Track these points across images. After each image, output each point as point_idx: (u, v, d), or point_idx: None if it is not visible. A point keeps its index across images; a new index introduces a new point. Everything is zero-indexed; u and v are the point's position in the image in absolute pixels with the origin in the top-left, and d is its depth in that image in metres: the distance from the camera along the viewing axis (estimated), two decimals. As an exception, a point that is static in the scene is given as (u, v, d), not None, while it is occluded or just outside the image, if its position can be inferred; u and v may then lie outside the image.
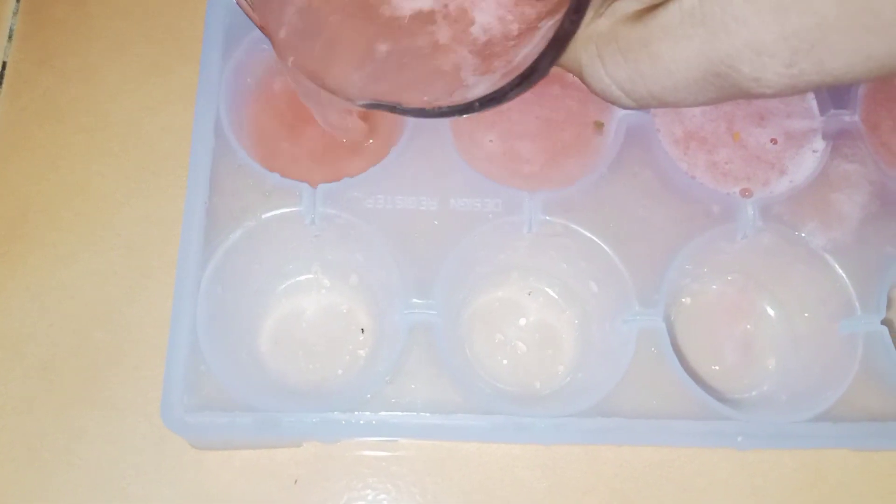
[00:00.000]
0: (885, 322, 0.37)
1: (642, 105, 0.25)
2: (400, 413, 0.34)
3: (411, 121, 0.37)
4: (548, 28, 0.25)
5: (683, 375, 0.35)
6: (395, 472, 0.38)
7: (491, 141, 0.39)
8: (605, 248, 0.37)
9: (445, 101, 0.28)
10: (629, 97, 0.25)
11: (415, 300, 0.36)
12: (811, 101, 0.41)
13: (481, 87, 0.27)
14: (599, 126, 0.39)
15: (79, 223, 0.41)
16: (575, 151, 0.39)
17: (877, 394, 0.36)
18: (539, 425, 0.34)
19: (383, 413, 0.34)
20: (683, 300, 0.41)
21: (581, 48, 0.25)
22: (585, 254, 0.38)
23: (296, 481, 0.37)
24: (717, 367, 0.40)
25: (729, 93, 0.24)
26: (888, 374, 0.36)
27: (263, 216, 0.36)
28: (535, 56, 0.24)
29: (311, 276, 0.40)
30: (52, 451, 0.37)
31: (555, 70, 0.26)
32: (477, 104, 0.27)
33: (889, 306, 0.38)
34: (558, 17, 0.24)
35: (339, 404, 0.34)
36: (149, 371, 0.39)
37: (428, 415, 0.34)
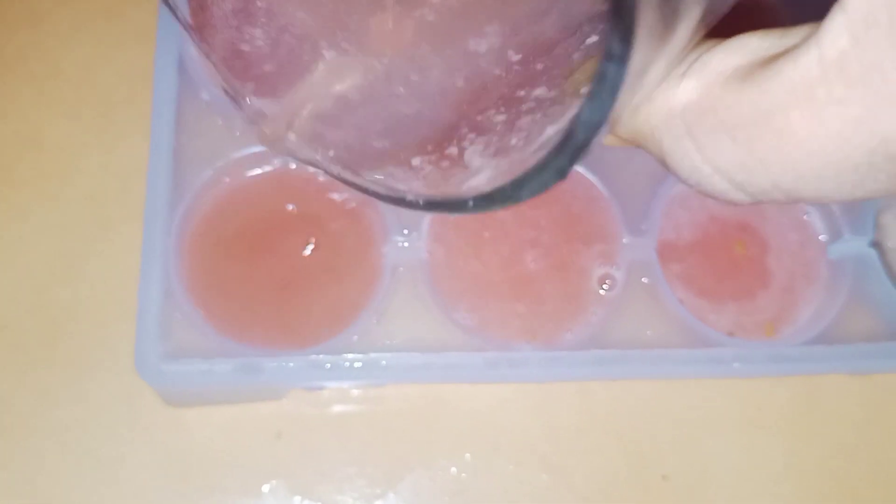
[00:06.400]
0: (873, 245, 0.37)
1: (761, 199, 0.18)
2: (389, 354, 0.33)
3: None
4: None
5: (677, 305, 0.35)
6: (383, 422, 0.36)
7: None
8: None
9: (435, 188, 0.19)
10: (742, 190, 0.18)
11: (398, 237, 0.34)
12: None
13: (485, 175, 0.18)
14: None
15: (33, 176, 0.38)
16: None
17: (868, 318, 0.36)
18: (534, 359, 0.33)
19: (372, 354, 0.32)
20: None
21: (661, 125, 0.18)
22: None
23: (279, 435, 0.36)
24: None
25: None
26: (878, 297, 0.36)
27: (233, 156, 0.35)
28: (566, 129, 0.15)
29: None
30: (16, 414, 0.35)
31: None
32: (471, 203, 0.17)
33: (877, 231, 0.38)
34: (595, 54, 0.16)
35: (324, 347, 0.32)
36: (114, 327, 0.36)
37: (419, 354, 0.33)
